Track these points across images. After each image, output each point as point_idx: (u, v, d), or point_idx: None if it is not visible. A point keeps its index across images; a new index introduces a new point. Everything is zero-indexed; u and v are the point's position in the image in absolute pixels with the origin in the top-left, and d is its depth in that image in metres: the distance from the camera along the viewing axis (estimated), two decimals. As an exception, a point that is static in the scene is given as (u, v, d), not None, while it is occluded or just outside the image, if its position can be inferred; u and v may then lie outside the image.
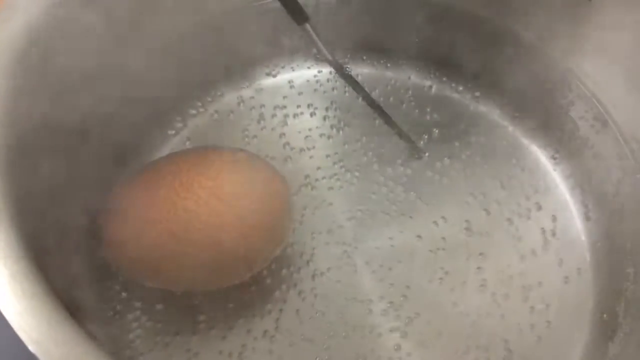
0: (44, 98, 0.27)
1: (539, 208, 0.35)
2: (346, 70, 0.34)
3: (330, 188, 0.35)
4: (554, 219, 0.34)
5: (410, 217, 0.34)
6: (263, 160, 0.32)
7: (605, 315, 0.31)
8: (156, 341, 0.30)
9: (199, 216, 0.27)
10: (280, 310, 0.31)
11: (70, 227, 0.28)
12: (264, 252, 0.30)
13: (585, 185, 0.35)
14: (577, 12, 0.33)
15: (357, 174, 0.36)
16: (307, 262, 0.33)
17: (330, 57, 0.33)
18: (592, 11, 0.32)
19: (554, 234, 0.34)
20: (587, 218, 0.34)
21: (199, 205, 0.27)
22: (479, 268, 0.33)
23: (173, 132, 0.37)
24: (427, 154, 0.36)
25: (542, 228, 0.34)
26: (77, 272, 0.28)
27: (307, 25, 0.31)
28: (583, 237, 0.34)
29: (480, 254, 0.33)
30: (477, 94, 0.38)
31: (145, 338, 0.31)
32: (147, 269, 0.28)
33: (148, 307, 0.31)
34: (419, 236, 0.34)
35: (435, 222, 0.34)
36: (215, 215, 0.27)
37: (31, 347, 0.18)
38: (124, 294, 0.31)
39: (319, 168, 0.36)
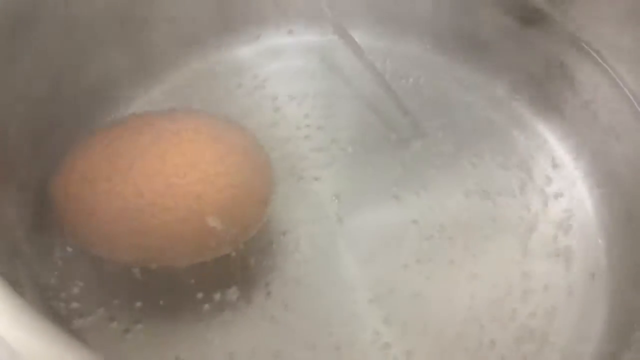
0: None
1: (551, 203, 0.31)
2: (348, 34, 0.31)
3: (321, 164, 0.32)
4: (568, 216, 0.31)
5: (406, 200, 0.31)
6: (243, 128, 0.29)
7: (618, 327, 0.27)
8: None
9: (170, 187, 0.24)
10: (268, 293, 0.28)
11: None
12: (244, 227, 0.27)
13: (605, 183, 0.31)
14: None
15: (350, 150, 0.32)
16: (290, 245, 0.29)
17: (330, 15, 0.30)
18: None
19: (566, 233, 0.30)
20: (604, 219, 0.30)
21: (168, 177, 0.24)
22: (476, 263, 0.29)
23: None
24: (429, 135, 0.33)
25: (553, 225, 0.30)
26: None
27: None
28: (600, 240, 0.30)
29: (480, 247, 0.30)
30: (495, 77, 0.35)
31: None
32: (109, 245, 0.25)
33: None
34: (414, 221, 0.30)
35: (431, 208, 0.30)
36: (193, 185, 0.24)
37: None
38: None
39: (307, 137, 0.32)
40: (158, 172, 0.24)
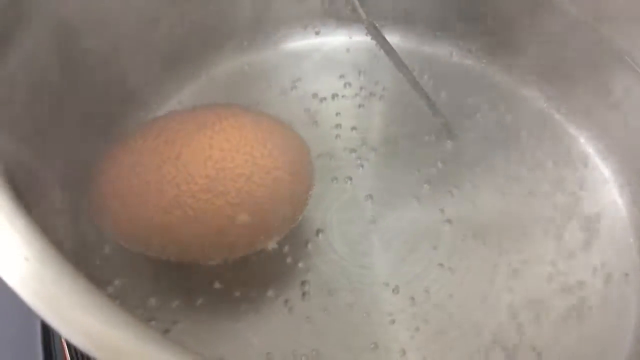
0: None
1: (584, 204, 0.31)
2: (381, 34, 0.31)
3: (353, 162, 0.32)
4: (600, 217, 0.31)
5: (439, 200, 0.31)
6: (284, 123, 0.29)
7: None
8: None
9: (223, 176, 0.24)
10: (304, 293, 0.28)
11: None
12: (292, 207, 0.27)
13: (635, 182, 0.31)
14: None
15: (382, 150, 0.32)
16: (325, 245, 0.29)
17: (365, 16, 0.30)
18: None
19: (598, 234, 0.30)
20: (636, 218, 0.30)
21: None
22: (510, 262, 0.29)
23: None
24: (460, 136, 0.33)
25: (586, 226, 0.30)
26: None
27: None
28: (631, 239, 0.30)
29: (514, 246, 0.30)
30: (523, 77, 0.35)
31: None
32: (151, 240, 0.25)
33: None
34: (447, 221, 0.30)
35: (465, 208, 0.31)
36: (241, 168, 0.24)
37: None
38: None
39: (339, 137, 0.33)
40: (207, 157, 0.24)
